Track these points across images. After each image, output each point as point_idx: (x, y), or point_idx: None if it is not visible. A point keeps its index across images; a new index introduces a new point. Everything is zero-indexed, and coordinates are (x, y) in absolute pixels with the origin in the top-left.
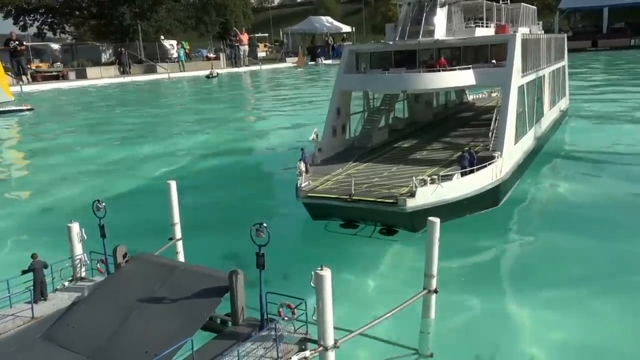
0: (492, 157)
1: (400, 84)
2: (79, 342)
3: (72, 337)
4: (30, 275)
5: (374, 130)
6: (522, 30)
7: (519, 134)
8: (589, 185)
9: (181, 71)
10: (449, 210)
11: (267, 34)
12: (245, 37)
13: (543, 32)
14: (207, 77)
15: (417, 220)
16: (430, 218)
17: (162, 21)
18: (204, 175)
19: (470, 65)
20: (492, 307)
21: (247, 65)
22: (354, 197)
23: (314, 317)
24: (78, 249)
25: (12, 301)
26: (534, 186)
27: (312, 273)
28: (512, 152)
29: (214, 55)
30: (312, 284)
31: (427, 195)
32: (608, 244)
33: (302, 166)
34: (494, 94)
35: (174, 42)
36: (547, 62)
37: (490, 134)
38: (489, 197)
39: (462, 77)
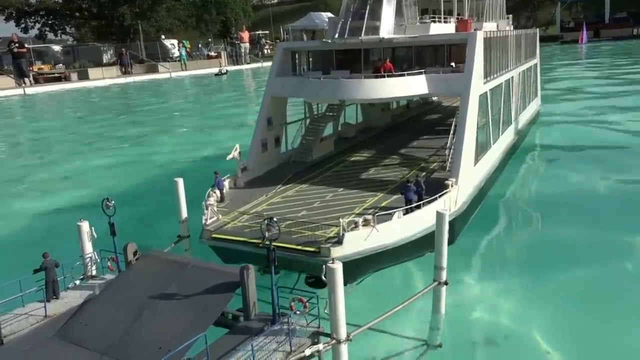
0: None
1: (338, 92)
2: (93, 340)
3: (85, 335)
4: (41, 274)
5: (315, 142)
6: (489, 26)
7: (482, 151)
8: (564, 195)
9: (183, 70)
10: (386, 258)
11: (267, 31)
12: (246, 35)
13: (512, 27)
14: (216, 74)
15: (346, 273)
16: (439, 210)
17: (162, 20)
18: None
19: (423, 70)
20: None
21: (248, 63)
22: (267, 243)
23: (326, 311)
24: (88, 247)
25: (25, 300)
26: (502, 203)
27: (324, 266)
28: (471, 175)
29: (215, 54)
30: (324, 277)
31: (358, 241)
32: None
33: (213, 196)
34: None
35: (175, 42)
36: (517, 61)
37: (447, 150)
38: None
39: (412, 85)
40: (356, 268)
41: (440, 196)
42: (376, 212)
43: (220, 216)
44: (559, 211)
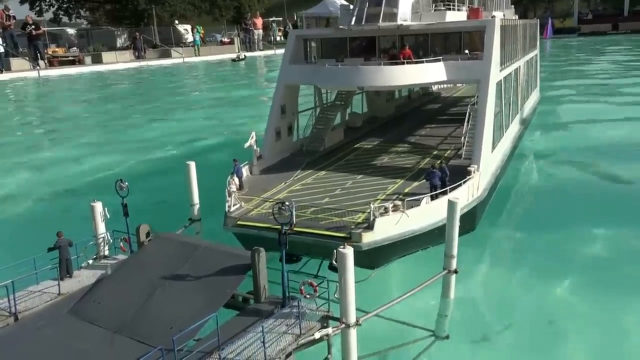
0: (466, 169)
1: (356, 79)
2: (105, 318)
3: (98, 313)
4: (55, 253)
5: (327, 131)
6: (497, 15)
7: (496, 139)
8: (567, 185)
9: (196, 56)
10: (414, 243)
11: (280, 18)
12: (259, 21)
13: (517, 17)
14: (234, 60)
15: (375, 258)
16: (450, 198)
17: (176, 5)
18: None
19: (441, 57)
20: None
21: (261, 50)
22: (295, 229)
23: (335, 295)
24: (101, 227)
25: (39, 278)
26: (514, 191)
27: (335, 251)
28: (489, 162)
29: (228, 40)
30: (334, 262)
31: (389, 226)
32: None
33: (234, 183)
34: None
35: (189, 27)
36: (523, 51)
37: (462, 138)
38: (464, 222)
39: (430, 72)
40: (382, 254)
41: (464, 182)
42: (404, 198)
43: (242, 203)
44: (573, 201)
